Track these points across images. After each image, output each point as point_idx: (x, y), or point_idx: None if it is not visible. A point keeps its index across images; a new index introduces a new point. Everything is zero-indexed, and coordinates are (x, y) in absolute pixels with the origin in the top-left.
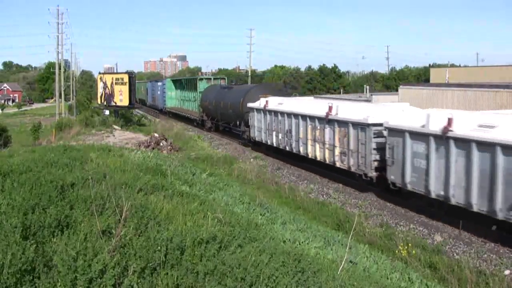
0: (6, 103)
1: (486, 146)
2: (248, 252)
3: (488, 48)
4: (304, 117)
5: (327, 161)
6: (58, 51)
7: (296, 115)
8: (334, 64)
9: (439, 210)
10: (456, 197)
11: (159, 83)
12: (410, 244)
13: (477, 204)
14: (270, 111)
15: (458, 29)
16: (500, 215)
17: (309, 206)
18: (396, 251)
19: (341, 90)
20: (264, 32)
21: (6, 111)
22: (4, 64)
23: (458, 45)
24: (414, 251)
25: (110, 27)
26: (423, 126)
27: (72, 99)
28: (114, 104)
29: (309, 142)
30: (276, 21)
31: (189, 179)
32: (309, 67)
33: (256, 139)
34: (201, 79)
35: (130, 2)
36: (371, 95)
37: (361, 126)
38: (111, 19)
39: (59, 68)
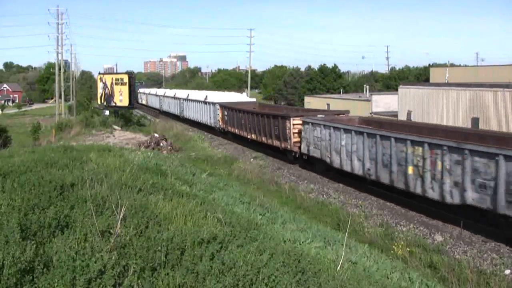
0: (6, 103)
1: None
2: (249, 252)
3: (488, 47)
4: (175, 98)
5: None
6: (58, 52)
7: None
8: (334, 64)
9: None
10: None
11: None
12: (409, 244)
13: (196, 117)
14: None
15: (458, 28)
16: (212, 123)
17: (309, 206)
18: (396, 250)
19: (341, 90)
20: (264, 32)
21: (6, 111)
22: (5, 64)
23: (458, 44)
24: (412, 250)
25: (110, 27)
26: (185, 96)
27: (72, 100)
28: (114, 104)
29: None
30: (276, 21)
31: (189, 179)
32: (309, 67)
33: (146, 104)
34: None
35: (130, 2)
36: (371, 94)
37: (179, 99)
38: (111, 19)
39: (59, 69)
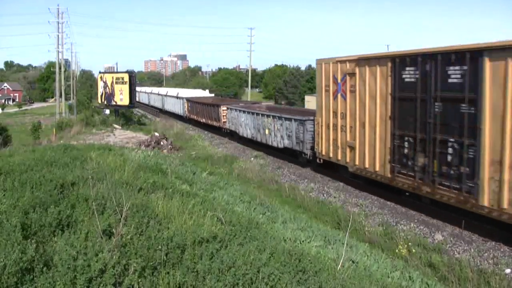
0: (6, 102)
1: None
2: (249, 251)
3: None
4: (163, 95)
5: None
6: (58, 51)
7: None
8: None
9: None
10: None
11: None
12: (410, 243)
13: (172, 110)
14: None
15: (459, 27)
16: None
17: (310, 205)
18: (396, 250)
19: None
20: (265, 31)
21: (6, 110)
22: (5, 63)
23: (458, 43)
24: (414, 250)
25: (110, 26)
26: (165, 92)
27: (73, 99)
28: (114, 103)
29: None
30: (276, 20)
31: (189, 178)
32: (310, 66)
33: (138, 101)
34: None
35: (131, 1)
36: None
37: (161, 96)
38: (112, 18)
39: (59, 68)
